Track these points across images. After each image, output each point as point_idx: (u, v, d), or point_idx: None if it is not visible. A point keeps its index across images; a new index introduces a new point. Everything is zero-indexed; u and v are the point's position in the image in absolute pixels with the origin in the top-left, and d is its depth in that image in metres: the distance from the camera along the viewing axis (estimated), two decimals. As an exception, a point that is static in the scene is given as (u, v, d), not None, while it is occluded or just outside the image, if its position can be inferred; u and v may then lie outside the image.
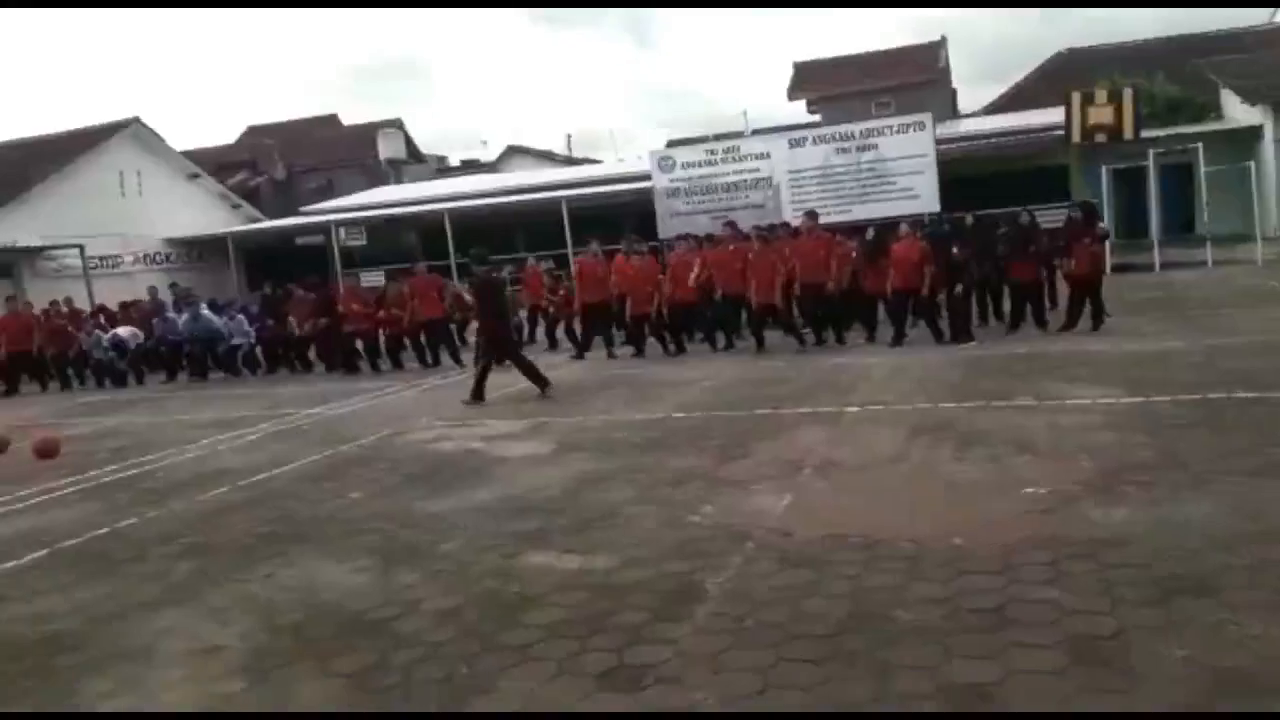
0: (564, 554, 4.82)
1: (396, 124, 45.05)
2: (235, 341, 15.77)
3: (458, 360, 14.28)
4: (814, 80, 31.05)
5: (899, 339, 11.83)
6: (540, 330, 16.21)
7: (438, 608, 4.24)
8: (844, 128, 21.19)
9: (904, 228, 12.13)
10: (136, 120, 27.26)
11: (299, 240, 31.08)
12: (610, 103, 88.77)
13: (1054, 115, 24.81)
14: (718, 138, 31.54)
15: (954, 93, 33.83)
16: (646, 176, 24.05)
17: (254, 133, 47.51)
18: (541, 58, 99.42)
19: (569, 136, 57.10)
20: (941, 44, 31.90)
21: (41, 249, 24.07)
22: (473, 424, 9.12)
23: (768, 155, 21.56)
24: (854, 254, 12.56)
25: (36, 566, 5.60)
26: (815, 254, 12.36)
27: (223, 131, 67.03)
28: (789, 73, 32.03)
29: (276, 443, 9.15)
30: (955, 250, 12.02)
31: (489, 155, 49.77)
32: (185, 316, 15.81)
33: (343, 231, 26.95)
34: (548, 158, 49.24)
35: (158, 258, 27.89)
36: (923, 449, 6.39)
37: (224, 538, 5.81)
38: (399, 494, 6.55)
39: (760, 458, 6.53)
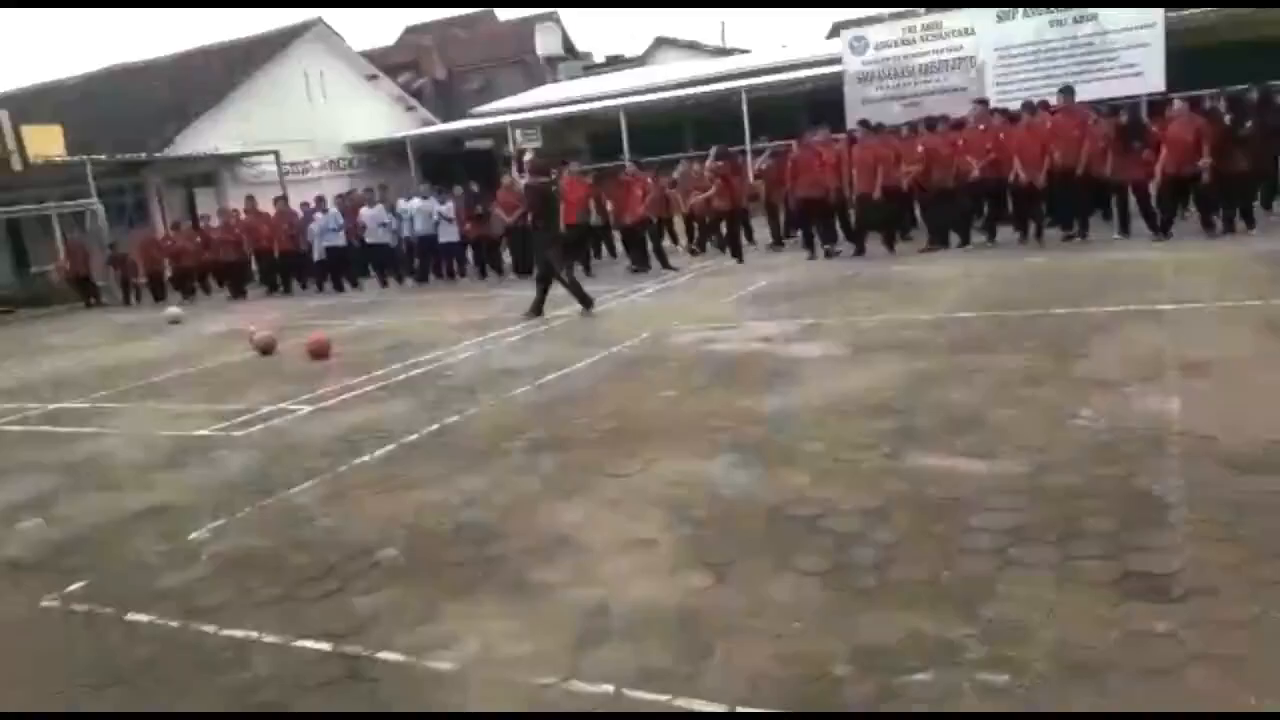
0: (956, 456, 4.62)
1: (553, 18, 44.44)
2: (445, 237, 15.95)
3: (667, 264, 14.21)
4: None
5: (1166, 229, 11.00)
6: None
7: (860, 506, 4.13)
8: (1061, -8, 19.51)
9: (1178, 103, 11.13)
10: (320, 21, 27.67)
11: (468, 144, 31.45)
12: None
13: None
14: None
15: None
16: (830, 61, 23.03)
17: (412, 33, 47.87)
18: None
19: (723, 24, 54.61)
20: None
21: (240, 155, 25.02)
22: (732, 326, 8.97)
23: (972, 31, 20.16)
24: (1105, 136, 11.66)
25: (394, 459, 5.79)
26: (1070, 133, 11.51)
27: (382, 33, 67.57)
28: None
29: (542, 344, 9.27)
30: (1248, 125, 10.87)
31: (635, 50, 48.61)
32: (415, 204, 16.05)
33: (519, 133, 26.98)
34: (697, 49, 47.60)
35: (340, 163, 28.63)
36: (1291, 345, 5.87)
37: (567, 432, 5.87)
38: (715, 393, 6.48)
39: (1104, 357, 6.13)
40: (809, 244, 13.36)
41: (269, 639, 3.55)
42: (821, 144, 13.24)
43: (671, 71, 31.05)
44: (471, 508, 4.74)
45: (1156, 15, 18.41)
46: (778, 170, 14.23)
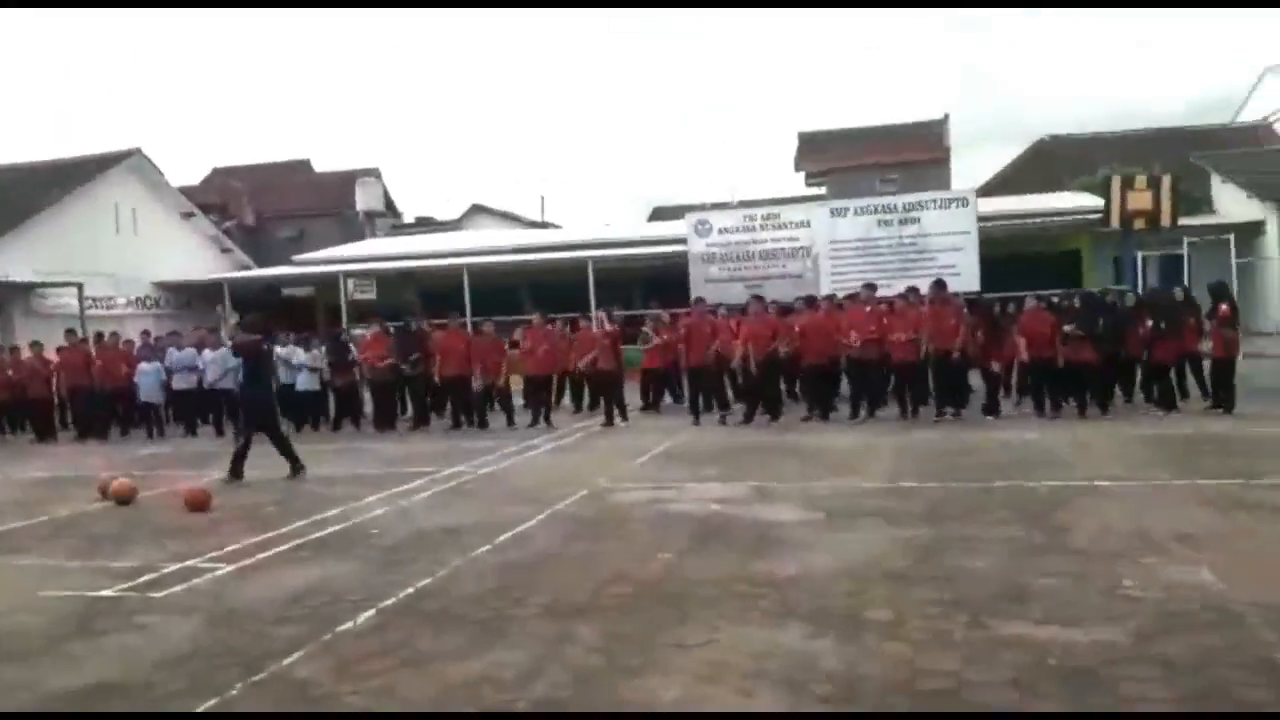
0: (1042, 625, 4.53)
1: (374, 173, 44.33)
2: (302, 385, 14.94)
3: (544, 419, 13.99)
4: (819, 152, 31.74)
5: (1040, 407, 12.04)
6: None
7: (992, 679, 3.91)
8: (887, 200, 21.61)
9: (1030, 300, 12.36)
10: (138, 151, 26.16)
11: (285, 291, 30.16)
12: (581, 169, 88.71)
13: (1062, 200, 25.97)
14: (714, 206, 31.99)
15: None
16: (671, 240, 24.13)
17: (221, 174, 46.24)
18: (508, 116, 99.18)
19: (542, 198, 56.43)
20: (945, 121, 33.02)
21: (35, 286, 22.74)
22: (670, 486, 8.73)
23: (808, 224, 21.70)
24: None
25: (387, 626, 5.03)
26: (946, 320, 12.40)
27: (186, 171, 64.98)
28: (793, 144, 32.65)
29: (462, 501, 8.63)
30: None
31: (449, 214, 48.92)
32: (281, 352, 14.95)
33: (351, 283, 26.15)
34: (512, 219, 48.58)
35: (148, 301, 26.63)
36: (1252, 520, 6.31)
37: (580, 599, 5.33)
38: (714, 557, 6.15)
39: (1088, 530, 6.35)
40: (695, 410, 13.44)
41: None
42: (709, 314, 13.58)
43: (505, 237, 31.52)
44: (533, 684, 4.13)
45: (970, 223, 20.63)
46: (674, 338, 14.38)
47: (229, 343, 15.06)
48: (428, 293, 28.26)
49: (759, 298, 14.40)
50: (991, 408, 12.46)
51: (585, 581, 5.68)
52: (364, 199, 41.79)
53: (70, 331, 16.23)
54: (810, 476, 8.84)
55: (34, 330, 21.26)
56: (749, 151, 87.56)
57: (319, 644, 4.79)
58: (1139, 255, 21.47)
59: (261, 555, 6.80)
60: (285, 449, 10.46)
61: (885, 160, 30.74)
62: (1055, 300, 13.51)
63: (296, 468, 10.32)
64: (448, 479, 9.77)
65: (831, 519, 7.07)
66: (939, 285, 12.92)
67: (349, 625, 5.08)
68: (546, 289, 25.64)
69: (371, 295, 26.35)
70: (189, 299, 27.72)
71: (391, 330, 15.34)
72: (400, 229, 43.97)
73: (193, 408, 15.64)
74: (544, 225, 44.92)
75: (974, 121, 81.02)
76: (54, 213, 23.72)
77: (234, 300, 27.44)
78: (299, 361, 14.79)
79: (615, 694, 3.99)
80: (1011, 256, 22.11)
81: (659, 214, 41.99)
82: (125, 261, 25.10)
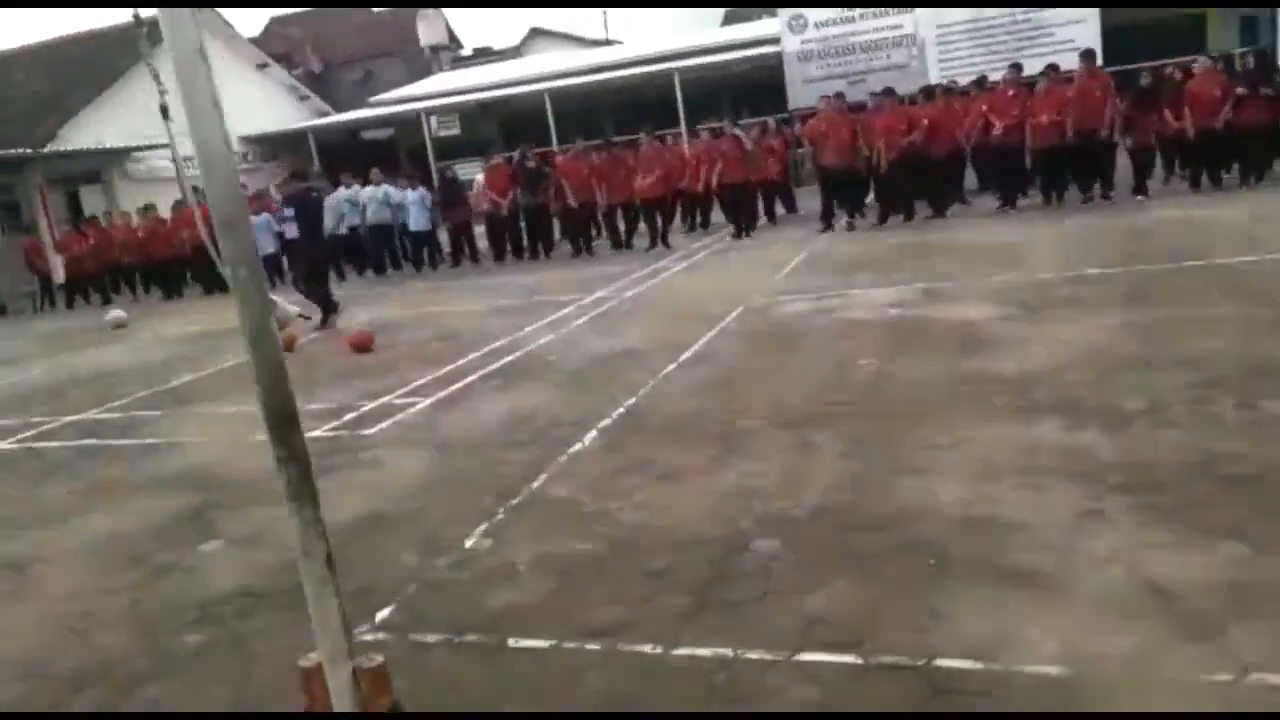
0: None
1: (434, 5, 42.75)
2: (419, 226, 14.90)
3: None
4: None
5: (1196, 182, 11.30)
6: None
7: (1302, 458, 3.70)
8: (997, -24, 19.93)
9: (1203, 61, 11.38)
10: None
11: (365, 134, 29.86)
12: None
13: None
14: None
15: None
16: (766, 42, 22.86)
17: (279, 24, 45.22)
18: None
19: (605, 15, 54.09)
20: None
21: (130, 150, 22.81)
22: (832, 294, 8.48)
23: (912, 9, 20.36)
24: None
25: (617, 444, 4.99)
26: (1091, 96, 11.55)
27: (242, 26, 63.77)
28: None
29: (621, 323, 8.59)
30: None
31: (508, 41, 47.25)
32: (370, 193, 14.86)
33: (434, 120, 25.69)
34: (575, 40, 46.64)
35: (235, 157, 26.61)
36: None
37: (806, 408, 5.22)
38: (922, 360, 5.95)
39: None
40: (829, 215, 12.98)
41: (757, 655, 2.81)
42: (840, 112, 12.88)
43: (580, 58, 30.30)
44: (801, 491, 4.06)
45: (1090, -8, 19.03)
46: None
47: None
48: (507, 123, 27.70)
49: (838, 95, 13.58)
50: (1140, 187, 11.74)
51: (795, 392, 5.57)
52: (427, 34, 40.50)
53: (195, 189, 16.20)
54: (977, 273, 8.48)
55: (133, 194, 21.62)
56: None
57: (559, 465, 4.80)
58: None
59: (453, 387, 6.84)
60: (323, 297, 10.55)
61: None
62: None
63: (328, 316, 10.42)
64: (595, 305, 9.68)
65: (1028, 312, 6.78)
66: (1088, 56, 11.94)
67: (579, 446, 5.07)
68: (629, 108, 24.83)
69: (455, 130, 25.96)
70: (274, 150, 27.64)
71: (509, 161, 14.99)
72: (460, 61, 42.76)
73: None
74: (608, 43, 43.12)
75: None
76: (133, 76, 23.50)
77: (318, 146, 27.35)
78: (409, 200, 14.66)
79: (892, 496, 3.89)
80: (1124, 26, 20.41)
81: (732, 19, 39.91)
82: (209, 117, 24.95)
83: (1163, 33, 20.28)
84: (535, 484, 4.59)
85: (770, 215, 15.19)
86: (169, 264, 16.16)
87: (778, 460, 4.48)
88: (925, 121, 12.37)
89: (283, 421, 2.00)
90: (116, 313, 13.36)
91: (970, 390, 5.16)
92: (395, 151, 28.26)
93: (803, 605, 3.11)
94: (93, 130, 22.22)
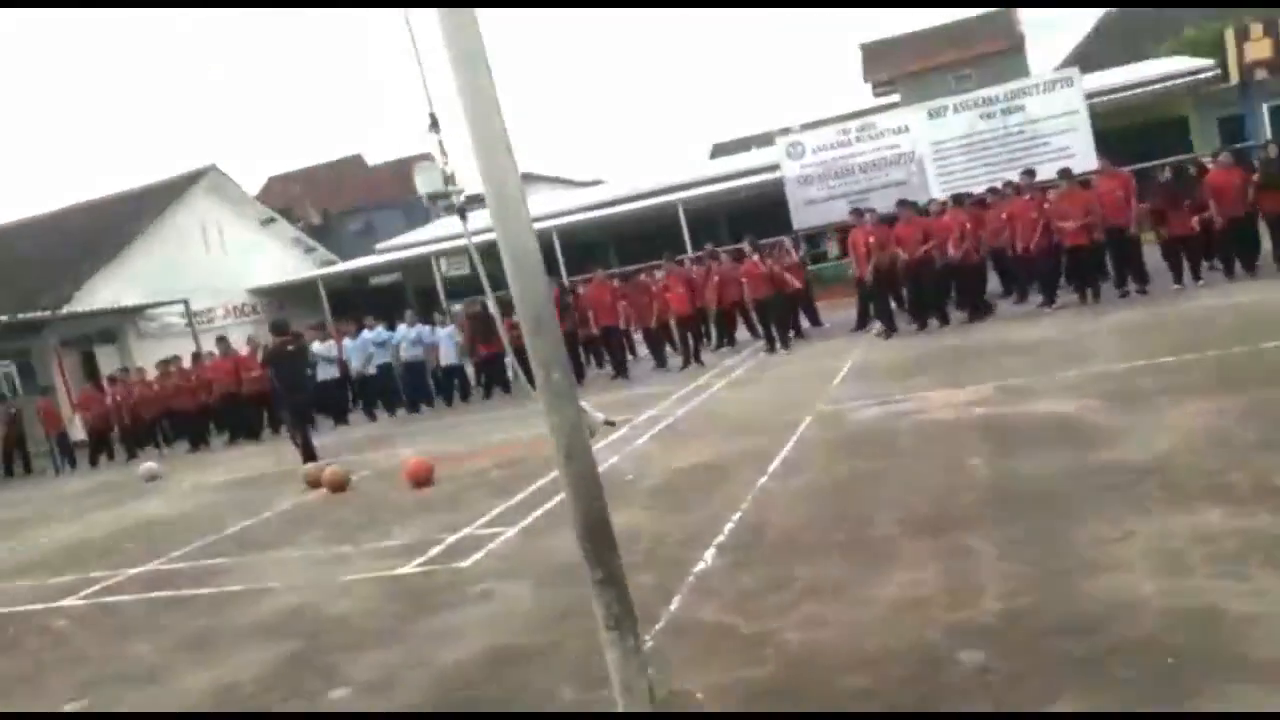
0: None
1: (428, 157, 43.94)
2: (449, 360, 14.87)
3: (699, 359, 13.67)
4: (885, 60, 30.64)
5: (1230, 270, 11.41)
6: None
7: None
8: (987, 92, 20.67)
9: (1224, 156, 11.64)
10: (214, 168, 26.24)
11: (373, 280, 30.29)
12: (627, 123, 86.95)
13: (1159, 67, 24.58)
14: (782, 132, 31.05)
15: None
16: (763, 169, 23.47)
17: (279, 181, 46.51)
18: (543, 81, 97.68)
19: (595, 159, 55.60)
20: (1012, 10, 31.61)
21: (143, 308, 22.99)
22: (899, 398, 8.35)
23: (906, 129, 20.99)
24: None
25: (746, 564, 4.75)
26: (1113, 195, 11.75)
27: (246, 182, 65.82)
28: (856, 57, 31.57)
29: (687, 440, 8.40)
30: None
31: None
32: (406, 334, 14.87)
33: (444, 262, 26.04)
34: (565, 183, 47.99)
35: (245, 308, 26.85)
36: None
37: (933, 511, 5.01)
38: (1033, 456, 5.77)
39: None
40: (864, 321, 13.02)
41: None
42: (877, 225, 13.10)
43: (584, 196, 31.03)
44: (981, 599, 3.81)
45: (1077, 102, 19.69)
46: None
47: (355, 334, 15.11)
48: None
49: (858, 211, 13.89)
50: (1178, 278, 11.81)
51: (914, 497, 5.35)
52: (423, 183, 41.21)
53: (221, 340, 16.17)
54: (1044, 370, 8.37)
55: (147, 350, 21.64)
56: (804, 75, 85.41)
57: (689, 586, 4.55)
58: (1265, 108, 20.23)
59: (533, 515, 6.59)
60: (304, 443, 10.73)
61: (957, 58, 29.54)
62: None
63: (307, 461, 10.38)
64: (650, 424, 9.52)
65: (1120, 403, 6.63)
66: (1107, 157, 12.21)
67: (703, 565, 4.83)
68: (632, 240, 25.27)
69: (465, 270, 26.17)
70: (281, 301, 27.85)
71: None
72: (451, 209, 43.54)
73: (338, 398, 15.61)
74: (595, 184, 44.26)
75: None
76: (147, 238, 23.94)
77: (328, 295, 27.60)
78: (440, 336, 14.70)
79: (1081, 596, 3.65)
80: (1112, 131, 21.06)
81: (720, 150, 41.27)
82: (218, 274, 25.32)
83: (1150, 135, 20.97)
84: (672, 607, 4.33)
85: (797, 328, 15.23)
86: (194, 415, 15.98)
87: (932, 568, 4.23)
88: (965, 227, 12.54)
89: (599, 540, 1.81)
90: (149, 465, 13.09)
91: (1106, 482, 4.96)
92: (403, 295, 28.56)
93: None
94: (106, 293, 22.42)
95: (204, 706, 4.17)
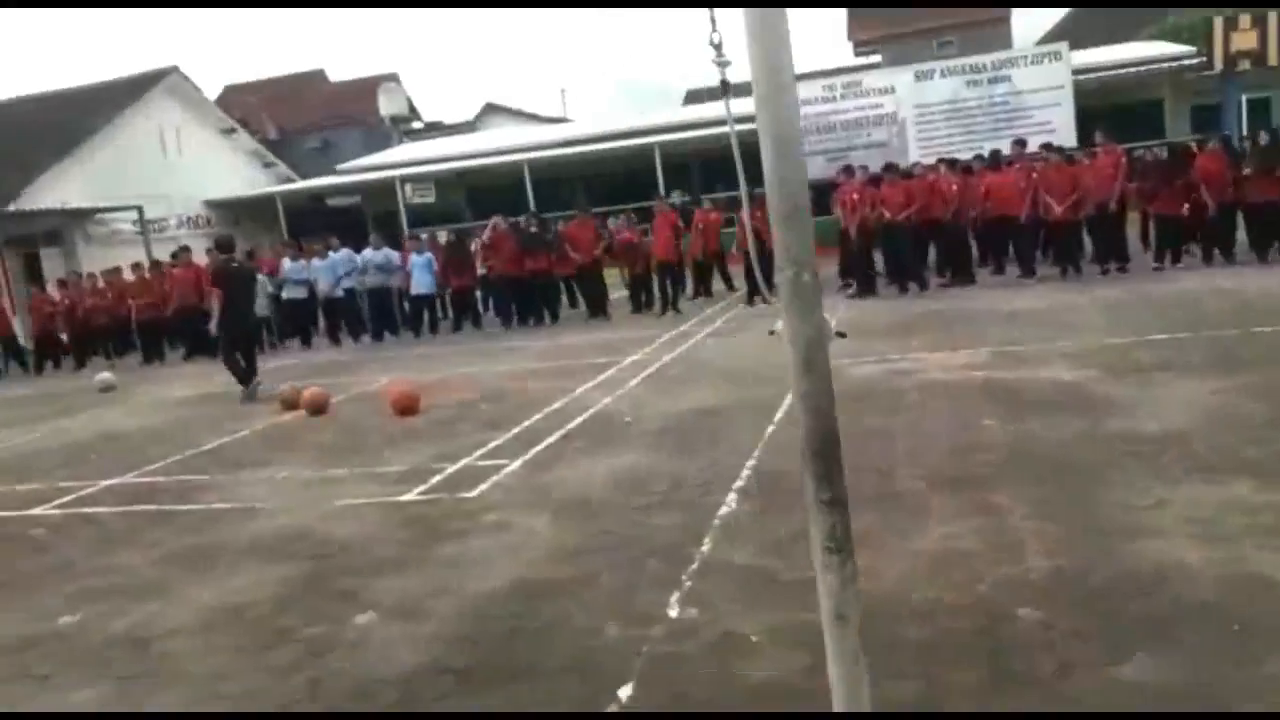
0: None
1: (394, 79, 42.92)
2: (422, 289, 14.53)
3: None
4: (868, 21, 30.40)
5: (1209, 256, 11.59)
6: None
7: None
8: (975, 59, 20.65)
9: (1214, 143, 11.75)
10: (175, 70, 25.15)
11: (330, 201, 29.46)
12: (597, 61, 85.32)
13: (1142, 50, 24.69)
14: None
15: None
16: (741, 120, 23.18)
17: (235, 91, 44.82)
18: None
19: (563, 92, 54.77)
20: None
21: (96, 211, 22.08)
22: (896, 357, 8.35)
23: (892, 90, 20.90)
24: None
25: (774, 508, 4.69)
26: (1105, 170, 11.82)
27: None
28: (838, 14, 31.26)
29: (681, 385, 8.30)
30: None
31: (461, 115, 47.51)
32: (369, 258, 14.43)
33: (409, 188, 25.41)
34: (529, 117, 47.10)
35: (199, 221, 25.95)
36: None
37: (954, 469, 5.00)
38: (1047, 421, 5.78)
39: None
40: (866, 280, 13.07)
41: None
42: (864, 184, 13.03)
43: (560, 130, 30.42)
44: (1024, 555, 3.80)
45: (1064, 77, 19.74)
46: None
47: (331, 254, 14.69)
48: (477, 193, 27.58)
49: (849, 168, 13.86)
50: (1160, 257, 11.97)
51: (933, 454, 5.35)
52: (387, 105, 40.37)
53: (185, 249, 15.55)
54: (1036, 339, 8.40)
55: (94, 256, 20.81)
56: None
57: (717, 529, 4.48)
58: (1244, 99, 20.47)
59: (536, 449, 6.46)
60: (242, 367, 10.18)
61: (941, 24, 29.42)
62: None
63: (249, 388, 10.05)
64: (637, 368, 9.41)
65: (1120, 375, 6.68)
66: (1106, 133, 12.25)
67: (727, 509, 4.76)
68: (602, 179, 24.93)
69: (430, 199, 25.66)
70: (237, 216, 27.01)
71: (509, 227, 14.78)
72: (413, 134, 42.67)
73: (304, 318, 15.21)
74: (562, 121, 43.49)
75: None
76: (102, 138, 22.91)
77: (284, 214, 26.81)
78: (414, 263, 14.31)
79: (1125, 559, 3.65)
80: (1087, 110, 21.14)
81: (694, 97, 40.70)
82: (174, 182, 24.34)
83: (1124, 118, 21.08)
84: (704, 549, 4.25)
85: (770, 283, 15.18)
86: (149, 326, 15.45)
87: (967, 524, 4.22)
88: (953, 189, 12.54)
89: (829, 460, 1.69)
90: (105, 375, 12.63)
91: (1126, 450, 4.98)
92: (361, 219, 27.85)
93: (1118, 676, 2.83)
94: (54, 193, 21.44)
95: (217, 622, 4.01)
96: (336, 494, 5.91)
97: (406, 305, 15.01)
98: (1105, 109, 21.50)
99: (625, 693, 3.06)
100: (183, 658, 3.71)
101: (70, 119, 23.08)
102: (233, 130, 27.76)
